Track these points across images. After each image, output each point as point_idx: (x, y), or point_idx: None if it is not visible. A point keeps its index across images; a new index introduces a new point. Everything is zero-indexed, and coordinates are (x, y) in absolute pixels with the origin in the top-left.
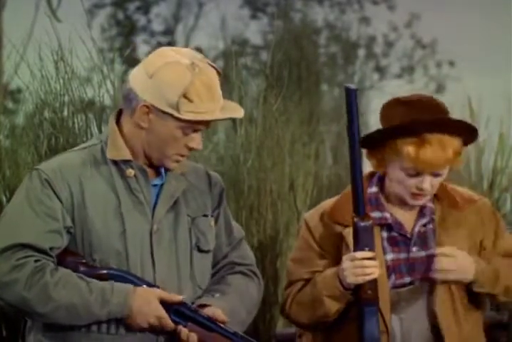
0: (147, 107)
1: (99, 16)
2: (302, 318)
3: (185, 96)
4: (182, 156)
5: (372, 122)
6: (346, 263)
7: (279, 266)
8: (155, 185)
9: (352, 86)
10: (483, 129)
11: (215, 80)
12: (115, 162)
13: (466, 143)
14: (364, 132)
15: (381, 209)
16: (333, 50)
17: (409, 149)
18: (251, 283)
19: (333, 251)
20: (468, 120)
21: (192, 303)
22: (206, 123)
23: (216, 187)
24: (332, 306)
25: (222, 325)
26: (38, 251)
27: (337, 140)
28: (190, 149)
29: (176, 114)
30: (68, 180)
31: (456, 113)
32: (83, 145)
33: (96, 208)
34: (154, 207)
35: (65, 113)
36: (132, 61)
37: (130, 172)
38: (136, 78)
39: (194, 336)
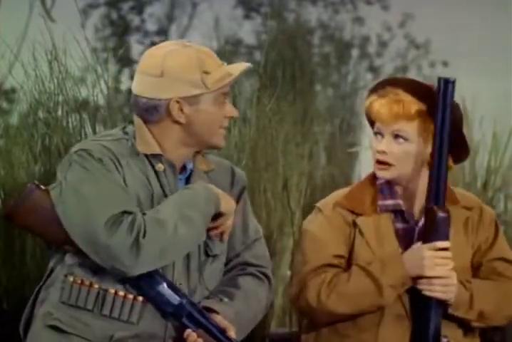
0: (177, 102)
1: (93, 16)
2: (344, 308)
3: (204, 72)
4: (225, 128)
5: (367, 122)
6: (427, 252)
7: (274, 266)
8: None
9: (450, 79)
10: (477, 128)
11: (208, 49)
12: (145, 156)
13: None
14: (357, 134)
15: (394, 196)
16: (327, 50)
17: (366, 103)
18: (261, 287)
19: (345, 239)
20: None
21: (199, 302)
22: (227, 85)
23: (238, 185)
24: (391, 295)
25: (231, 337)
26: (129, 212)
27: (331, 140)
28: (230, 118)
29: (206, 90)
30: (114, 162)
31: None
32: (112, 136)
33: (135, 193)
34: None
35: (60, 113)
36: (126, 61)
37: (160, 166)
38: (146, 87)
39: None
